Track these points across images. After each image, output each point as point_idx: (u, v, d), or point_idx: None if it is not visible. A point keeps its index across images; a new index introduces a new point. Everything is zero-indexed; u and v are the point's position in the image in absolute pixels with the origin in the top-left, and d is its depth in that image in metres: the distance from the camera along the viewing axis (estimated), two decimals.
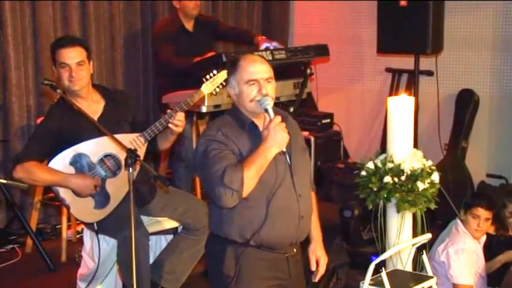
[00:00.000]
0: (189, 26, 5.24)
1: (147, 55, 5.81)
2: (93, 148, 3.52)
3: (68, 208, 3.58)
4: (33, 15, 5.06)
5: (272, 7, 6.88)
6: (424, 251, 3.40)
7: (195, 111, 4.66)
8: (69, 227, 4.78)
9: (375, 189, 3.56)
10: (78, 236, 4.86)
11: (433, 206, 3.59)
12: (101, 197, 3.55)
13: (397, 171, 3.53)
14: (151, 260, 3.68)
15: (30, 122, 5.05)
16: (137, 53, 5.78)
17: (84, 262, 3.78)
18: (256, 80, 2.78)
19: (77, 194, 3.52)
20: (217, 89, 3.58)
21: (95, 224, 3.58)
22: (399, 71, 6.22)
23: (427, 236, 3.43)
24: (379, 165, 3.59)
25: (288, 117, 2.91)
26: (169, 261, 3.73)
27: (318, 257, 3.00)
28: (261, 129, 2.79)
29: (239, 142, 2.76)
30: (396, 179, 3.51)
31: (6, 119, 5.01)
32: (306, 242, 2.99)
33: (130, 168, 2.91)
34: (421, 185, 3.51)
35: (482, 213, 3.99)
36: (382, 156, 3.63)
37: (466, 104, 5.86)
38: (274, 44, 5.02)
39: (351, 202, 4.63)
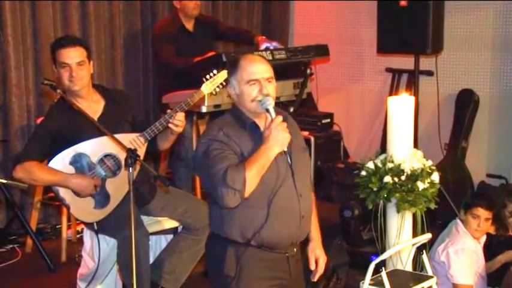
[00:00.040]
0: (189, 26, 5.24)
1: (147, 55, 5.80)
2: (93, 148, 3.52)
3: (68, 208, 3.58)
4: (33, 15, 5.05)
5: (272, 7, 6.87)
6: (424, 251, 3.40)
7: (195, 111, 4.66)
8: (69, 227, 4.77)
9: (375, 189, 3.56)
10: (78, 235, 4.84)
11: (433, 206, 3.60)
12: (101, 196, 3.55)
13: (397, 171, 3.53)
14: (151, 260, 3.68)
15: (30, 122, 5.04)
16: (137, 53, 5.77)
17: (84, 262, 3.77)
18: (257, 80, 2.77)
19: (77, 193, 3.52)
20: (217, 89, 3.58)
21: (95, 224, 3.57)
22: (399, 71, 6.22)
23: (427, 236, 3.43)
24: (379, 165, 3.59)
25: (288, 117, 2.90)
26: (169, 261, 3.73)
27: (317, 256, 3.01)
28: (262, 129, 2.78)
29: (241, 142, 2.76)
30: (396, 179, 3.52)
31: (6, 119, 5.00)
32: (305, 242, 2.99)
33: (131, 168, 2.90)
34: (421, 185, 3.51)
35: (482, 213, 4.00)
36: (382, 156, 3.63)
37: (466, 104, 5.85)
38: (274, 44, 5.02)
39: (351, 202, 4.63)
